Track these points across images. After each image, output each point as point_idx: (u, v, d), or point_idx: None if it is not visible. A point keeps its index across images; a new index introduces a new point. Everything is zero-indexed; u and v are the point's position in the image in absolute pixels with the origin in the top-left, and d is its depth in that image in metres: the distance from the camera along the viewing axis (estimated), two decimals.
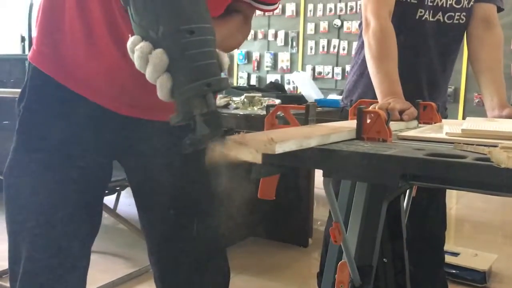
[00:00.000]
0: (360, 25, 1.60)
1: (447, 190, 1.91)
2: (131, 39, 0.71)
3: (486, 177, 0.64)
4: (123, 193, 2.53)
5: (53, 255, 0.98)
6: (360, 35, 1.60)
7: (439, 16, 1.54)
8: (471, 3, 1.55)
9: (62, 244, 0.99)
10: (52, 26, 0.97)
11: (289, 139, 0.69)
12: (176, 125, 0.94)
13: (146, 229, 1.14)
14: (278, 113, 0.97)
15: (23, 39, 4.46)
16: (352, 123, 0.92)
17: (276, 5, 1.11)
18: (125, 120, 1.01)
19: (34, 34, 1.02)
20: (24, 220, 0.98)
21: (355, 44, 1.81)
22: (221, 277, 1.15)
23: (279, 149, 0.65)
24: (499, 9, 1.61)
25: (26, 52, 4.66)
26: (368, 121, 0.87)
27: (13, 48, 5.55)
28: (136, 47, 0.70)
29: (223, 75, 0.74)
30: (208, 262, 1.12)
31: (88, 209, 1.02)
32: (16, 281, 0.99)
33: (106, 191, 1.17)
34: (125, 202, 2.79)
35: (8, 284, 2.28)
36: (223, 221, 1.13)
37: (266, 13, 5.64)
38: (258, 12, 1.15)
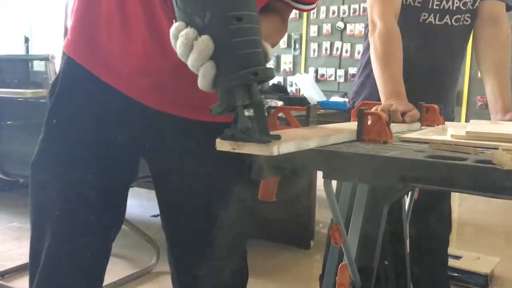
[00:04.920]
0: (366, 27, 1.59)
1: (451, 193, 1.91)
2: (175, 25, 0.68)
3: (488, 179, 0.63)
4: None
5: (74, 246, 0.98)
6: (366, 37, 1.59)
7: (447, 19, 1.52)
8: (476, 4, 1.54)
9: (83, 237, 0.99)
10: (88, 16, 0.96)
11: (288, 141, 0.68)
12: (207, 123, 0.90)
13: (167, 228, 1.12)
14: (280, 114, 0.97)
15: (26, 40, 4.47)
16: (353, 125, 0.91)
17: (314, 5, 1.08)
18: (155, 115, 0.99)
19: (69, 24, 1.00)
20: (48, 209, 0.98)
21: (357, 47, 1.81)
22: (239, 277, 1.13)
23: (277, 150, 0.65)
24: (509, 8, 1.57)
25: (30, 52, 4.67)
26: (369, 122, 0.87)
27: (16, 48, 5.56)
28: (180, 33, 0.67)
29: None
30: (227, 262, 1.10)
31: (110, 205, 1.02)
32: (37, 268, 0.99)
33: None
34: (127, 203, 2.80)
35: (8, 284, 2.28)
36: (244, 223, 1.12)
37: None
38: None
